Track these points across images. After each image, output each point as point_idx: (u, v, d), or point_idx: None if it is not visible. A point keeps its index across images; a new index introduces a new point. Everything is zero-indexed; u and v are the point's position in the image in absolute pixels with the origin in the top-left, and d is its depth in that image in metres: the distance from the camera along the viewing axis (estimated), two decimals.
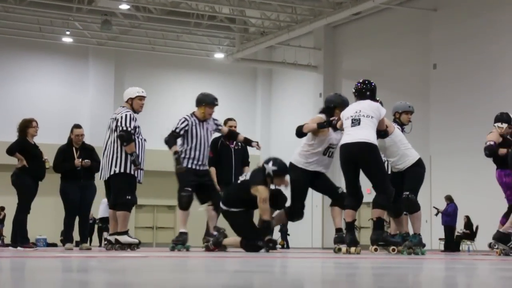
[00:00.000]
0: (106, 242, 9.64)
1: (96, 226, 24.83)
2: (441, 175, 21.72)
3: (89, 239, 15.80)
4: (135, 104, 9.29)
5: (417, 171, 8.70)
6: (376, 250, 8.25)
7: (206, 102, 9.70)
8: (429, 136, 22.64)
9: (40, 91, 28.28)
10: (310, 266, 5.19)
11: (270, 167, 8.63)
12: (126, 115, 9.06)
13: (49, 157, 10.44)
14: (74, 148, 10.44)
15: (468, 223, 19.90)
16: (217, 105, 9.82)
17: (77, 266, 4.56)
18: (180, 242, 9.39)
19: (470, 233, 19.89)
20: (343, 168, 8.19)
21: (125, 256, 7.15)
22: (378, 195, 8.18)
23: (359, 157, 8.01)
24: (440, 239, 20.51)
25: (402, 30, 24.43)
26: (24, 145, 10.07)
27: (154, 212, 29.77)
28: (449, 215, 19.25)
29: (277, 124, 30.53)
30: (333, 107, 8.83)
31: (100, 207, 22.85)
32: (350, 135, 8.07)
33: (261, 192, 8.57)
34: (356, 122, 8.09)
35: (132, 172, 8.98)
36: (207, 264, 5.22)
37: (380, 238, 8.26)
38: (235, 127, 10.61)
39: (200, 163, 9.47)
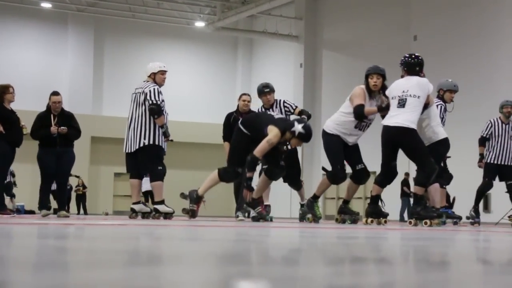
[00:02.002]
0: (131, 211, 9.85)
1: (75, 194, 24.78)
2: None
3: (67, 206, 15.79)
4: (157, 78, 9.48)
5: (438, 149, 8.96)
6: (416, 224, 8.55)
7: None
8: None
9: (18, 57, 28.00)
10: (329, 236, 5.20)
11: (299, 127, 8.62)
12: (154, 89, 9.25)
13: (27, 123, 10.36)
14: (52, 115, 10.36)
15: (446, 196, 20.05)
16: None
17: (53, 233, 4.54)
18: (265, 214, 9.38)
19: (448, 204, 20.04)
20: (383, 147, 8.52)
21: (102, 224, 7.15)
22: (418, 173, 8.54)
23: (398, 141, 8.33)
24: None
25: (383, 1, 24.39)
26: (0, 111, 9.98)
27: None
28: None
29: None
30: (366, 75, 9.04)
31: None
32: (393, 117, 8.27)
33: (273, 134, 8.63)
34: (402, 103, 8.26)
35: (161, 144, 9.27)
36: (172, 233, 5.22)
37: (418, 212, 8.55)
38: (249, 101, 10.72)
39: None
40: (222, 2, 27.20)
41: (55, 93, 10.51)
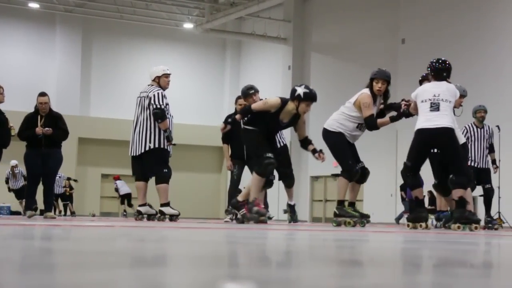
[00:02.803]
0: (136, 213, 9.94)
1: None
2: (407, 149, 21.87)
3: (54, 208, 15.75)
4: (162, 82, 9.61)
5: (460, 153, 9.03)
6: (459, 228, 8.37)
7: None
8: None
9: (6, 58, 27.89)
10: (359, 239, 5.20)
11: (301, 89, 8.51)
12: (158, 93, 9.38)
13: (15, 124, 10.33)
14: (39, 116, 10.33)
15: (431, 198, 20.11)
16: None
17: (40, 234, 4.53)
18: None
19: (434, 208, 20.07)
20: (419, 150, 8.55)
21: (88, 226, 7.13)
22: (458, 176, 8.41)
23: (441, 142, 8.31)
24: (404, 212, 20.72)
25: (371, 4, 24.47)
26: None
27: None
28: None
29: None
30: (371, 78, 8.92)
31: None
32: (431, 120, 8.25)
33: (272, 99, 8.57)
34: (435, 106, 8.24)
35: (166, 147, 9.41)
36: (163, 235, 5.22)
37: (464, 216, 8.39)
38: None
39: None
40: (210, 4, 27.20)
41: (42, 94, 10.48)
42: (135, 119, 9.55)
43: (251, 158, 9.31)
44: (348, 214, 8.92)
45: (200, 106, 30.21)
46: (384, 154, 22.67)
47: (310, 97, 8.50)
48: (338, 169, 8.95)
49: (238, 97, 10.60)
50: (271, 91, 28.74)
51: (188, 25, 28.20)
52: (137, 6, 27.74)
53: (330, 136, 8.79)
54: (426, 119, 8.30)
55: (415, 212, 8.77)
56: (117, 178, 25.65)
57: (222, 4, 27.30)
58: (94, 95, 29.16)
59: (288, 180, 10.05)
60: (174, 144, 9.55)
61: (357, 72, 24.89)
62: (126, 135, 28.89)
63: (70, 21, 28.50)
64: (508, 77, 19.46)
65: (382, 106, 8.78)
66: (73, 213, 23.52)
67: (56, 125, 10.32)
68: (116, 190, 25.58)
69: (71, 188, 24.91)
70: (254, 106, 8.62)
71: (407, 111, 8.68)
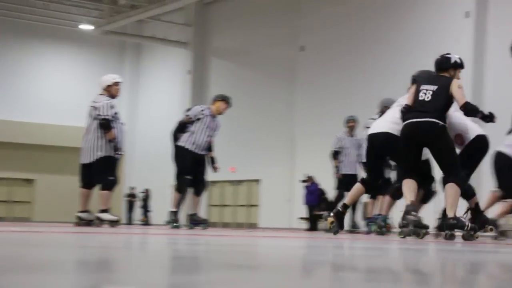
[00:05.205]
0: (76, 218, 10.02)
1: None
2: (303, 156, 22.24)
3: None
4: (113, 90, 9.87)
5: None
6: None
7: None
8: (293, 118, 23.09)
9: None
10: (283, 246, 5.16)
11: None
12: (106, 104, 9.62)
13: None
14: None
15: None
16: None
17: None
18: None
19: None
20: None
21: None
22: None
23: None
24: (300, 218, 21.02)
25: (272, 11, 24.72)
26: None
27: (10, 186, 28.56)
28: (311, 194, 19.72)
29: (144, 99, 30.26)
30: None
31: None
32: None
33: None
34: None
35: (114, 155, 9.70)
36: (55, 240, 5.10)
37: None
38: None
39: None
40: (110, 5, 26.81)
41: None
42: (86, 128, 9.81)
43: None
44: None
45: None
46: (281, 159, 22.92)
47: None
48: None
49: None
50: (171, 95, 28.64)
51: (87, 27, 27.66)
52: (35, 5, 27.03)
53: (393, 143, 7.75)
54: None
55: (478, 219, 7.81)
56: None
57: (122, 6, 26.95)
58: None
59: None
60: (122, 154, 9.86)
61: (257, 78, 25.12)
62: (21, 138, 28.25)
63: None
64: (404, 85, 19.96)
65: None
66: None
67: None
68: None
69: None
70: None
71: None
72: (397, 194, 8.88)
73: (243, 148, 23.95)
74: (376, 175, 8.26)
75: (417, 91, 7.39)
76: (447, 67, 7.46)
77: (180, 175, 10.27)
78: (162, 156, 21.45)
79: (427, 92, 7.30)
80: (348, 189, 12.12)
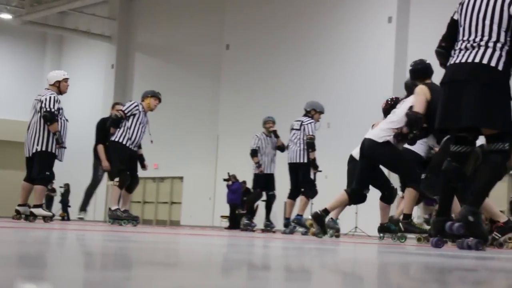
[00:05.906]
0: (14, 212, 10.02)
1: None
2: (227, 154, 22.22)
3: None
4: (62, 86, 10.02)
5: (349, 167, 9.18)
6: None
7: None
8: (217, 115, 23.05)
9: None
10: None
11: None
12: (50, 97, 9.71)
13: None
14: None
15: None
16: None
17: None
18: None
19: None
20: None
21: None
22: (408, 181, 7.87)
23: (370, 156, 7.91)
24: (222, 216, 21.00)
25: (198, 8, 24.62)
26: None
27: None
28: (234, 192, 19.72)
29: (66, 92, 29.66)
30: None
31: None
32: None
33: None
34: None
35: (53, 151, 9.67)
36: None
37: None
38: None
39: None
40: None
41: None
42: (29, 122, 9.81)
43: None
44: (418, 229, 7.88)
45: (16, 101, 28.92)
46: (205, 157, 22.85)
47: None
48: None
49: (116, 103, 11.47)
50: (93, 89, 28.16)
51: (6, 16, 26.85)
52: None
53: (387, 149, 7.68)
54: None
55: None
56: None
57: None
58: None
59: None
60: (64, 147, 9.79)
61: (182, 75, 24.97)
62: None
63: None
64: (327, 84, 20.13)
65: None
66: None
67: None
68: None
69: None
70: None
71: None
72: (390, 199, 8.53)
73: (166, 145, 23.73)
74: (364, 185, 7.84)
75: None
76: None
77: (122, 171, 10.24)
78: (82, 151, 21.07)
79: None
80: (265, 188, 12.68)
